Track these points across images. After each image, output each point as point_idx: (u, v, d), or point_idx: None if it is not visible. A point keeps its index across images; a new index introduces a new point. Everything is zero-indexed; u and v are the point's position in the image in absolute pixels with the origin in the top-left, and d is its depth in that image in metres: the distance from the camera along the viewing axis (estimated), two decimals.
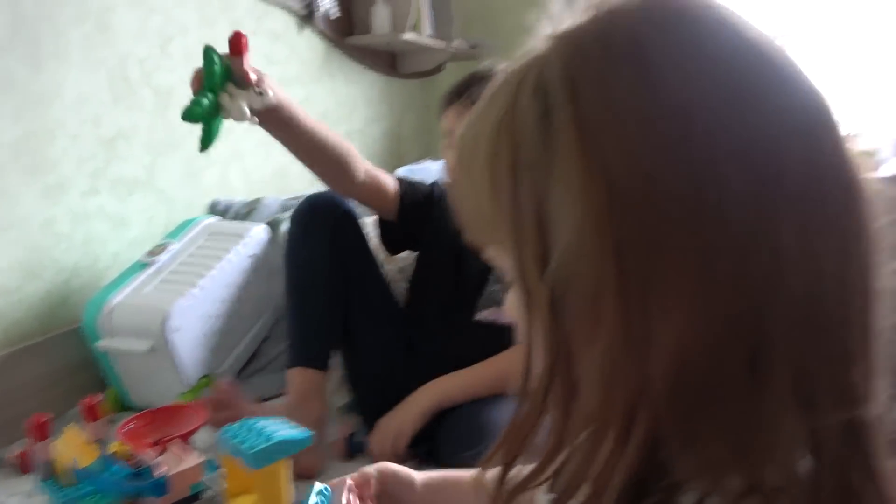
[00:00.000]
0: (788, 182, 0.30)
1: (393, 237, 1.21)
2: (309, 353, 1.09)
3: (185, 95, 1.59)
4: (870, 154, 0.34)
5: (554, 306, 0.32)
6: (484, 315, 1.12)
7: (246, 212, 1.69)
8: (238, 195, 1.77)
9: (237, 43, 0.92)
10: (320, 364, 1.08)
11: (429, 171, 1.83)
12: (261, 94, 0.92)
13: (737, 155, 0.29)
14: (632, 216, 0.30)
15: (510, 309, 0.38)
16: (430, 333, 1.15)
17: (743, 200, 0.29)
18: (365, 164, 1.12)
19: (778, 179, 0.30)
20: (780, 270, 0.29)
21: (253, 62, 1.86)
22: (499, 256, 0.37)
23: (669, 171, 0.30)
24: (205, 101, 0.85)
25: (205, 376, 1.26)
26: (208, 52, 0.88)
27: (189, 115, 0.85)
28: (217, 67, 0.87)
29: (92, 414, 1.08)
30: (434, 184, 1.25)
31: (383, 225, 1.21)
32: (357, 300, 1.13)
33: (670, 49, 0.31)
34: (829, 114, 0.32)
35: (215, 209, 1.67)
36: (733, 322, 0.29)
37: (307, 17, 1.98)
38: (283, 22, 1.91)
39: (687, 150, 0.30)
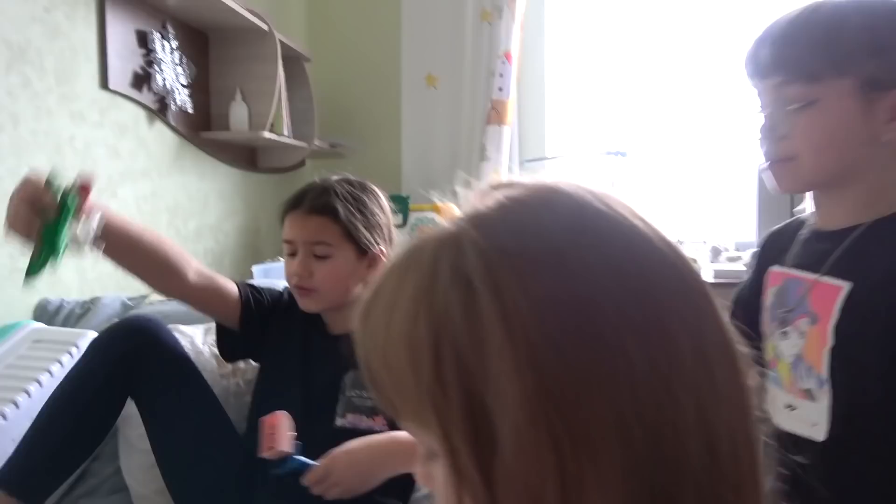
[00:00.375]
0: (683, 356, 0.35)
1: (232, 345, 1.20)
2: (21, 482, 1.00)
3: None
4: (693, 261, 0.39)
5: (489, 489, 0.34)
6: (346, 422, 1.09)
7: (81, 312, 1.55)
8: (72, 294, 1.62)
9: (87, 188, 0.93)
10: (29, 499, 1.01)
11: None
12: (92, 222, 0.93)
13: (640, 336, 0.34)
14: (563, 404, 0.33)
15: (430, 481, 0.38)
16: None
17: (649, 377, 0.34)
18: (198, 267, 1.13)
19: (675, 356, 0.35)
20: (683, 443, 0.34)
21: (97, 153, 1.78)
22: (418, 431, 0.38)
23: (588, 357, 0.33)
24: (57, 251, 0.82)
25: None
26: (65, 198, 0.86)
27: (37, 271, 0.83)
28: (70, 212, 0.85)
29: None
30: (285, 290, 1.24)
31: (220, 331, 1.20)
32: (177, 432, 1.09)
33: (576, 244, 0.36)
34: (700, 279, 0.38)
35: (45, 310, 1.52)
36: (654, 489, 0.33)
37: (160, 110, 1.93)
38: (132, 115, 1.84)
39: (601, 338, 0.34)
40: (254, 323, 1.18)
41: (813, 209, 0.90)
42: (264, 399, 1.17)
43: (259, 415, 1.13)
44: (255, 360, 1.25)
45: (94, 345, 1.11)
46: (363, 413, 1.08)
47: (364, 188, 1.18)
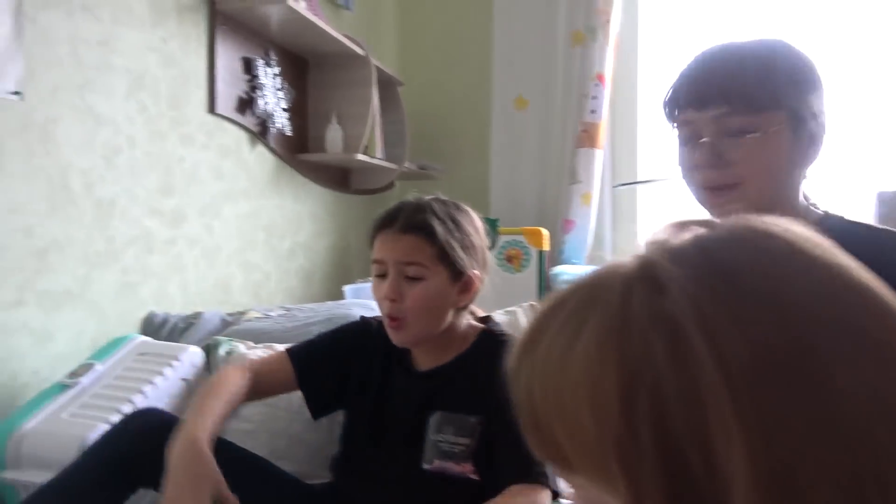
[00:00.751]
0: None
1: (314, 405, 1.14)
2: None
3: (128, 207, 1.56)
4: None
5: None
6: (434, 467, 1.03)
7: (185, 326, 1.61)
8: (176, 309, 1.69)
9: None
10: None
11: None
12: None
13: (874, 392, 0.31)
14: (794, 478, 0.30)
15: None
16: (372, 487, 1.06)
17: (889, 441, 0.30)
18: (248, 374, 1.08)
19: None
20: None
21: (202, 174, 1.86)
22: (588, 485, 0.34)
23: (820, 421, 0.30)
24: None
25: None
26: None
27: None
28: None
29: None
30: (361, 320, 1.19)
31: (303, 392, 1.14)
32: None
33: (794, 288, 0.33)
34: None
35: (151, 323, 1.60)
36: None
37: (260, 133, 2.01)
38: (235, 138, 1.92)
39: (832, 394, 0.31)
40: (319, 384, 1.12)
41: None
42: (346, 441, 1.13)
43: (344, 457, 1.12)
44: (344, 408, 1.18)
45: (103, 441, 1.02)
46: (451, 459, 1.01)
47: (459, 208, 1.10)
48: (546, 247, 2.45)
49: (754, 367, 0.30)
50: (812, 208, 0.90)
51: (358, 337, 1.15)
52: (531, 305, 1.49)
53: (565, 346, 0.34)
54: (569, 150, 2.62)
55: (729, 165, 0.84)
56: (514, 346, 0.38)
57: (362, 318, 1.19)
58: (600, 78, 2.55)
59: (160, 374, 1.26)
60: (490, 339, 1.08)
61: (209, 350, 1.43)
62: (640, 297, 0.33)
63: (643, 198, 2.71)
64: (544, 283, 2.40)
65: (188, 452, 0.91)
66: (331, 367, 1.13)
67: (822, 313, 0.32)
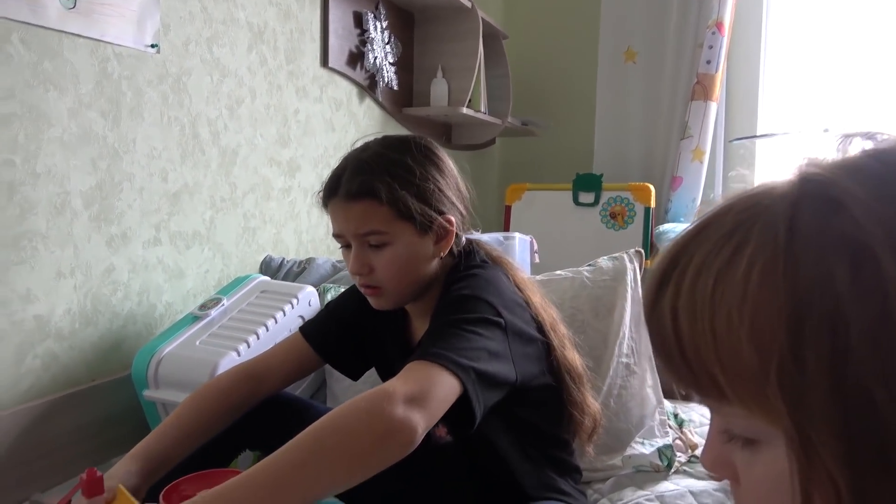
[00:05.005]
0: None
1: (346, 370, 1.10)
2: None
3: (249, 156, 1.65)
4: None
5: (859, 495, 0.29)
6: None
7: (298, 270, 1.70)
8: (290, 254, 1.79)
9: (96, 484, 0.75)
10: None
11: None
12: None
13: None
14: None
15: (727, 469, 0.34)
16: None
17: None
18: (264, 366, 1.03)
19: None
20: None
21: (315, 126, 1.92)
22: (742, 412, 0.33)
23: None
24: None
25: None
26: None
27: None
28: None
29: (92, 489, 0.77)
30: (341, 297, 1.11)
31: (331, 365, 1.11)
32: None
33: None
34: None
35: (268, 266, 1.69)
36: None
37: (369, 87, 2.05)
38: (345, 91, 1.98)
39: None
40: (342, 352, 1.08)
41: None
42: None
43: None
44: (369, 368, 1.13)
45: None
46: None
47: (406, 149, 0.94)
48: (653, 204, 2.37)
49: None
50: None
51: (361, 299, 1.03)
52: (638, 252, 1.45)
53: (720, 271, 0.32)
54: (680, 104, 2.51)
55: None
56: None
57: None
58: (719, 26, 2.41)
59: (280, 310, 1.34)
60: (446, 287, 0.95)
61: (320, 294, 1.51)
62: (811, 217, 0.30)
63: (761, 154, 2.56)
64: (649, 241, 2.33)
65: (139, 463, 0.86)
66: (346, 332, 1.07)
67: None
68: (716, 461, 0.35)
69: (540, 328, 0.95)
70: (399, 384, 0.72)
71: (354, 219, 0.91)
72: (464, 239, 1.00)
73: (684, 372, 0.34)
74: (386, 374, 1.09)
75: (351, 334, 1.07)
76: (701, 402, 0.34)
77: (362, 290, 0.97)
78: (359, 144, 0.98)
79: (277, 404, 1.06)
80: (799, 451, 0.30)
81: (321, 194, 0.96)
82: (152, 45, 1.38)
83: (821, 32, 2.44)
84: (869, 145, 0.32)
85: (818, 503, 0.30)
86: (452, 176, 0.98)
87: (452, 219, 0.95)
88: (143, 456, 0.87)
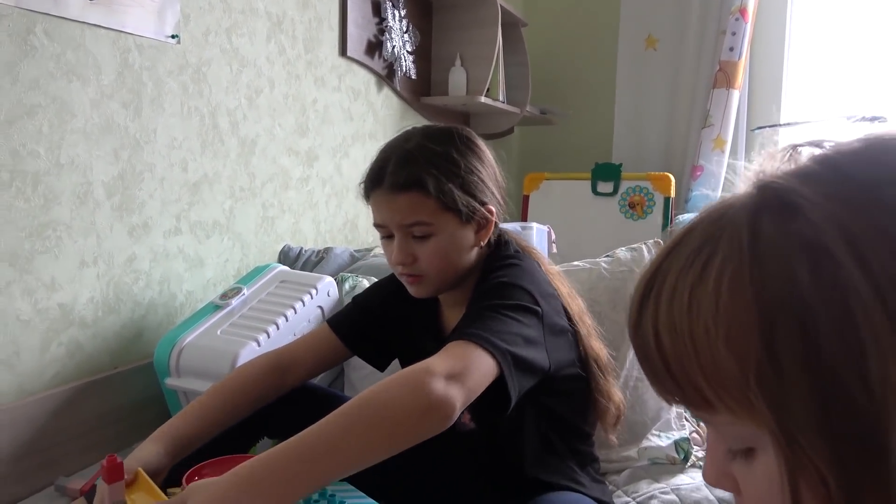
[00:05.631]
0: None
1: (373, 360, 1.11)
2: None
3: (268, 146, 1.66)
4: None
5: (846, 486, 0.30)
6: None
7: (317, 260, 1.71)
8: (308, 244, 1.80)
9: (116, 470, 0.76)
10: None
11: None
12: None
13: None
14: None
15: (727, 482, 0.35)
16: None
17: None
18: (290, 357, 1.04)
19: None
20: None
21: (334, 115, 1.92)
22: (731, 420, 0.34)
23: None
24: None
25: None
26: None
27: None
28: None
29: (113, 475, 0.78)
30: (371, 289, 1.13)
31: (358, 356, 1.10)
32: None
33: None
34: None
35: (287, 255, 1.71)
36: None
37: (387, 76, 2.05)
38: (363, 80, 1.98)
39: None
40: (369, 344, 1.08)
41: None
42: None
43: None
44: (393, 358, 1.13)
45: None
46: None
47: (450, 139, 0.95)
48: (672, 193, 2.35)
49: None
50: None
51: (391, 293, 1.07)
52: (656, 242, 1.44)
53: (693, 285, 0.33)
54: (702, 92, 2.48)
55: None
56: (632, 295, 0.37)
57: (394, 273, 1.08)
58: (742, 13, 2.37)
59: (300, 300, 1.35)
60: (485, 275, 0.96)
61: (338, 283, 1.52)
62: (770, 224, 0.31)
63: (784, 143, 2.52)
64: (668, 231, 2.31)
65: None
66: (374, 323, 1.08)
67: None
68: (718, 475, 0.36)
69: (569, 318, 0.96)
70: (439, 361, 0.73)
71: (400, 210, 0.92)
72: (500, 228, 1.01)
73: (671, 386, 0.35)
74: (412, 363, 1.08)
75: (379, 325, 1.08)
76: (692, 414, 0.35)
77: (403, 278, 0.98)
78: (399, 134, 0.98)
79: (297, 393, 1.07)
80: (786, 451, 0.31)
81: (363, 185, 0.96)
82: (173, 36, 1.39)
83: (845, 19, 2.39)
84: (817, 152, 0.34)
85: (809, 502, 0.30)
86: (492, 166, 0.99)
87: (493, 209, 0.97)
88: (169, 438, 0.89)
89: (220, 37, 1.50)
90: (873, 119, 2.05)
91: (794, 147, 0.36)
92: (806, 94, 2.49)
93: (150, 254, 1.38)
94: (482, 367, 0.76)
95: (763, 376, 0.31)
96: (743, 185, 0.35)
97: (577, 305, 1.00)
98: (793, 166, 0.34)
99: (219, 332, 1.26)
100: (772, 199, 0.32)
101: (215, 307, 1.33)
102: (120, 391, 1.31)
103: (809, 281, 0.30)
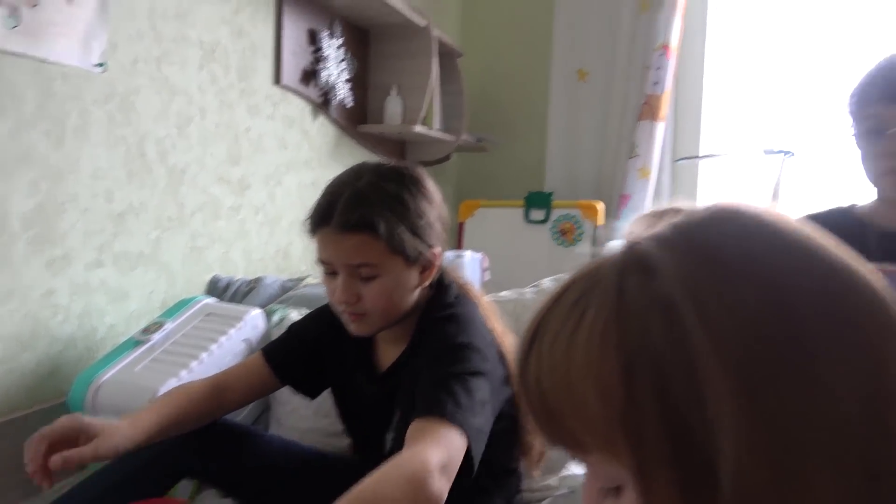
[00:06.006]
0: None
1: (302, 389, 1.11)
2: None
3: (198, 175, 1.64)
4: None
5: None
6: None
7: (247, 290, 1.70)
8: (239, 273, 1.79)
9: None
10: None
11: None
12: None
13: (853, 368, 0.33)
14: (780, 436, 0.33)
15: None
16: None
17: (863, 414, 0.33)
18: (224, 384, 1.06)
19: (888, 388, 0.34)
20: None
21: (267, 144, 1.92)
22: (602, 462, 0.37)
23: (801, 386, 0.33)
24: None
25: None
26: None
27: None
28: None
29: None
30: (307, 319, 1.13)
31: (289, 386, 1.11)
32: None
33: (779, 266, 0.36)
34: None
35: (215, 286, 1.69)
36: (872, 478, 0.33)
37: (323, 104, 2.06)
38: (299, 108, 1.98)
39: (813, 364, 0.33)
40: (300, 374, 1.09)
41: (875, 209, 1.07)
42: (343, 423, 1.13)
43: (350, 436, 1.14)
44: (325, 387, 1.14)
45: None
46: None
47: (402, 181, 0.94)
48: (601, 221, 2.44)
49: (739, 335, 0.33)
50: None
51: (327, 323, 1.06)
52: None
53: (569, 336, 0.37)
54: (629, 123, 2.59)
55: None
56: (520, 342, 0.41)
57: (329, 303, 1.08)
58: (665, 49, 2.49)
59: (225, 333, 1.34)
60: (429, 322, 0.99)
61: (267, 315, 1.51)
62: (633, 282, 0.36)
63: (705, 173, 2.65)
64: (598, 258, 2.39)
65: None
66: (307, 354, 1.09)
67: (798, 285, 0.35)
68: None
69: (502, 357, 0.98)
70: (431, 452, 0.77)
71: (348, 250, 0.92)
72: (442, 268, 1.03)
73: (551, 428, 0.39)
74: (346, 397, 1.11)
75: (313, 356, 1.09)
76: (571, 456, 0.39)
77: (344, 316, 0.98)
78: (349, 171, 0.98)
79: (217, 431, 1.06)
80: (642, 485, 0.35)
81: (309, 221, 0.95)
82: (99, 65, 1.37)
83: (761, 57, 2.55)
84: (675, 219, 0.39)
85: None
86: (439, 206, 1.00)
87: (438, 251, 0.98)
88: (138, 423, 0.93)
89: (149, 65, 1.48)
90: (782, 152, 2.18)
91: (658, 214, 0.41)
92: (725, 127, 2.63)
93: (70, 287, 1.34)
94: (460, 449, 0.81)
95: (625, 417, 0.35)
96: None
97: (508, 343, 1.02)
98: (658, 231, 0.38)
99: (138, 369, 1.24)
100: (635, 260, 0.37)
101: (136, 342, 1.31)
102: (34, 431, 1.26)
103: (662, 334, 0.34)
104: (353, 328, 0.98)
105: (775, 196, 2.23)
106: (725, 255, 0.35)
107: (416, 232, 0.94)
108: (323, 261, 0.95)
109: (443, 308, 0.99)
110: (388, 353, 1.04)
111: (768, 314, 0.34)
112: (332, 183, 0.97)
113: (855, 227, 1.07)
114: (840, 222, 0.98)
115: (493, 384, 0.92)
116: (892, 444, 0.33)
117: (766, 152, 2.25)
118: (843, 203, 1.17)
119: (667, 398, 0.34)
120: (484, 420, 0.87)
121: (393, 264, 0.93)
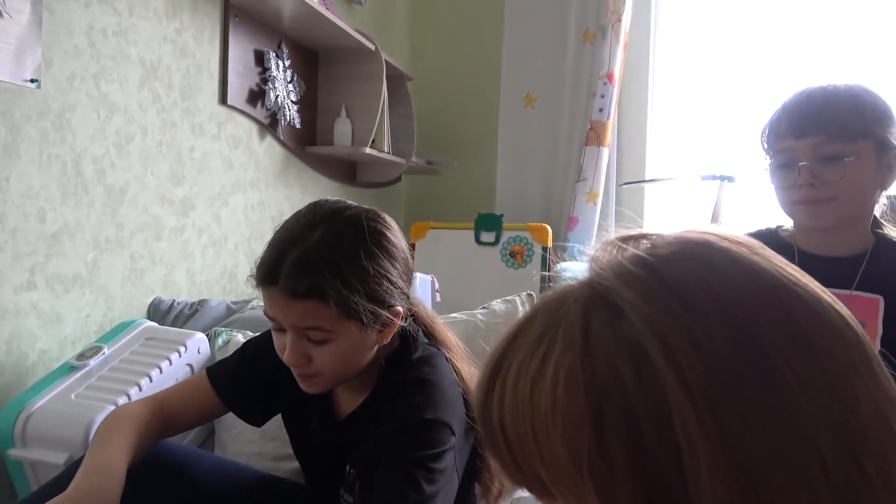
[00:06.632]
0: (865, 419, 0.34)
1: (248, 416, 1.04)
2: None
3: (138, 195, 1.59)
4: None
5: None
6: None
7: (190, 313, 1.64)
8: (182, 296, 1.73)
9: None
10: None
11: None
12: None
13: (827, 399, 0.33)
14: (755, 479, 0.32)
15: None
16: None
17: (836, 444, 0.33)
18: (170, 411, 0.98)
19: (857, 418, 0.34)
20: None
21: (213, 164, 1.88)
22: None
23: (774, 427, 0.32)
24: None
25: None
26: None
27: None
28: None
29: None
30: (258, 343, 1.05)
31: (234, 412, 1.04)
32: None
33: (747, 302, 0.35)
34: (860, 330, 0.36)
35: (157, 309, 1.63)
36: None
37: (270, 125, 2.03)
38: (245, 129, 1.95)
39: (787, 404, 0.33)
40: (247, 401, 1.02)
41: (795, 234, 1.12)
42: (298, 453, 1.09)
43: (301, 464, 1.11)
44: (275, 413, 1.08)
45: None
46: None
47: (360, 238, 0.86)
48: (549, 243, 2.47)
49: (709, 377, 0.32)
50: (886, 224, 1.09)
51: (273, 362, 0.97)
52: (529, 295, 1.51)
53: (534, 377, 0.35)
54: (576, 148, 2.64)
55: (824, 185, 1.00)
56: (480, 376, 0.39)
57: None
58: (609, 77, 2.56)
59: (167, 359, 1.29)
60: (394, 384, 0.93)
61: (210, 338, 1.46)
62: (600, 323, 0.34)
63: (649, 197, 2.72)
64: (547, 279, 2.42)
65: (96, 477, 0.81)
66: (258, 383, 1.02)
67: (781, 328, 0.34)
68: None
69: (468, 405, 0.94)
70: None
71: (295, 314, 0.84)
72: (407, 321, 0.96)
73: (514, 470, 0.37)
74: (298, 433, 1.06)
75: (264, 385, 1.02)
76: (536, 499, 0.37)
77: (296, 375, 0.91)
78: (302, 216, 0.89)
79: (160, 461, 1.00)
80: None
81: (253, 276, 0.88)
82: (32, 80, 1.31)
83: (702, 87, 2.65)
84: (640, 251, 0.37)
85: None
86: (402, 258, 0.91)
87: (400, 310, 0.90)
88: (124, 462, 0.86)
89: (86, 83, 1.43)
90: (723, 178, 2.26)
91: (623, 240, 0.39)
92: (667, 153, 2.71)
93: None
94: None
95: (594, 468, 0.33)
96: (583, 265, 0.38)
97: (475, 384, 0.99)
98: (624, 265, 0.36)
99: (73, 396, 1.17)
100: (600, 298, 0.35)
101: (70, 368, 1.24)
102: None
103: (632, 379, 0.33)
104: (304, 387, 0.92)
105: (715, 219, 2.30)
106: (693, 295, 0.34)
107: (374, 296, 0.86)
108: (269, 317, 0.88)
109: (408, 368, 0.92)
110: (348, 401, 0.99)
111: (739, 355, 0.33)
112: (280, 232, 0.89)
113: (784, 248, 1.09)
114: (772, 243, 1.01)
115: (459, 445, 0.89)
116: (864, 473, 0.32)
117: (704, 178, 2.32)
118: (771, 224, 1.22)
119: (639, 443, 0.32)
120: (447, 501, 0.86)
121: (347, 329, 0.86)
